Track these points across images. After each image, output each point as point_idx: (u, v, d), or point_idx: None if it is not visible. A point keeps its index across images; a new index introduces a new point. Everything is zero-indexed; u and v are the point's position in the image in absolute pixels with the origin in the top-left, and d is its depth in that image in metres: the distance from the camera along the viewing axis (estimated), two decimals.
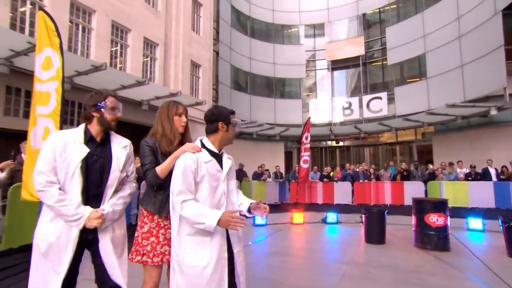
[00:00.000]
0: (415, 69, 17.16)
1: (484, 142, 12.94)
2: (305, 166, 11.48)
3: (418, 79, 16.66)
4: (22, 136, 7.91)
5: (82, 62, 8.35)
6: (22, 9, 8.71)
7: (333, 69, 20.47)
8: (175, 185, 1.79)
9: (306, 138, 11.58)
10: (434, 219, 5.60)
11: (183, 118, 2.24)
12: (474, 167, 10.89)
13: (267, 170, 13.15)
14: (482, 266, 4.48)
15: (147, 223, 2.12)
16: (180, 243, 1.79)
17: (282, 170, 14.78)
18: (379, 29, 19.21)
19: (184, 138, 2.25)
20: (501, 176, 10.33)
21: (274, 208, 11.27)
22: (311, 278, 4.06)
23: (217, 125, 1.97)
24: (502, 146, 12.27)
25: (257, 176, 12.43)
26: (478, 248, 5.64)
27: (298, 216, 8.66)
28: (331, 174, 13.36)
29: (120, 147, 2.05)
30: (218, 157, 1.98)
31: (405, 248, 5.65)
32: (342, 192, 11.77)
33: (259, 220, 8.07)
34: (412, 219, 6.11)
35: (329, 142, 20.04)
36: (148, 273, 2.09)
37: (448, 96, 13.82)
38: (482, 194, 9.79)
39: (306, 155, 11.52)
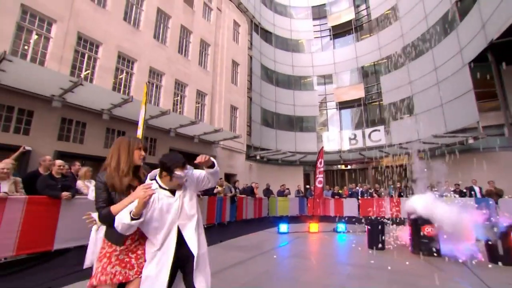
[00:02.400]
0: (405, 107, 16.68)
1: (465, 165, 12.15)
2: (319, 185, 11.25)
3: (408, 115, 16.12)
4: (70, 155, 8.62)
5: (153, 109, 9.07)
6: (121, 76, 9.79)
7: (340, 108, 20.31)
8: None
9: (320, 163, 11.44)
10: (429, 229, 5.27)
11: (142, 152, 1.88)
12: (459, 185, 10.23)
13: (288, 188, 13.05)
14: (468, 270, 4.19)
15: (104, 248, 1.77)
16: None
17: (302, 188, 14.60)
18: (375, 77, 19.03)
19: (139, 169, 1.90)
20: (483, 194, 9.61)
21: (295, 219, 11.11)
22: (322, 276, 3.97)
23: (162, 171, 1.81)
24: (480, 169, 11.44)
25: (280, 193, 12.38)
26: (464, 253, 5.20)
27: (314, 226, 8.42)
28: (340, 192, 13.02)
29: None
30: (171, 191, 1.82)
31: (402, 253, 5.32)
32: (350, 207, 11.45)
33: (283, 228, 8.02)
34: (408, 229, 5.82)
35: (339, 166, 19.49)
36: None
37: (432, 128, 13.31)
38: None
39: (320, 177, 11.32)
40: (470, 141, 11.40)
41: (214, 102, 14.43)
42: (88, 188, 4.83)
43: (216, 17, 15.08)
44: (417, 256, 5.07)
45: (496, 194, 9.37)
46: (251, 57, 18.54)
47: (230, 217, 8.84)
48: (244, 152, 16.46)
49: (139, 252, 1.80)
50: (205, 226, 7.42)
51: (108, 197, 1.75)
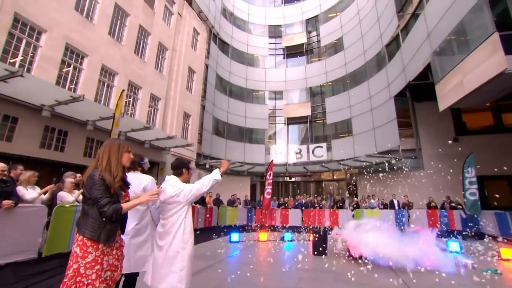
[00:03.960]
0: (345, 128, 18.62)
1: (389, 181, 14.40)
2: (268, 196, 11.93)
3: (347, 135, 18.12)
4: (52, 164, 7.87)
5: (104, 110, 8.53)
6: (66, 69, 8.91)
7: (288, 123, 21.58)
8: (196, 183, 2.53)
9: (270, 175, 12.16)
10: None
11: (131, 155, 2.06)
12: (383, 199, 12.14)
13: (238, 198, 13.37)
14: (390, 267, 5.12)
15: (92, 253, 1.75)
16: None
17: (249, 198, 15.06)
18: (320, 98, 20.89)
19: (124, 172, 2.04)
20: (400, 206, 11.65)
21: (244, 228, 11.46)
22: (277, 280, 4.33)
23: (181, 170, 2.58)
24: (399, 185, 13.77)
25: (231, 203, 12.60)
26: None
27: (263, 235, 8.87)
28: (286, 203, 13.89)
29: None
30: None
31: (341, 258, 6.05)
32: (294, 217, 12.17)
33: (234, 237, 8.29)
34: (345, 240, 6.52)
35: (284, 178, 20.61)
36: None
37: (366, 148, 15.40)
38: (388, 218, 10.81)
39: (269, 188, 12.00)
40: (393, 161, 13.64)
41: (167, 107, 14.05)
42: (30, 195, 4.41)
43: (176, 22, 14.89)
44: (355, 260, 5.84)
45: (408, 206, 11.44)
46: (207, 66, 18.65)
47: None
48: (194, 160, 16.28)
49: (119, 253, 1.96)
50: None
51: (111, 195, 1.85)
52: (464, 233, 9.62)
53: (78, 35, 9.12)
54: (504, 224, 8.72)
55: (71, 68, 9.01)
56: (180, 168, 2.57)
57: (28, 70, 7.70)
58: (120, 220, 1.93)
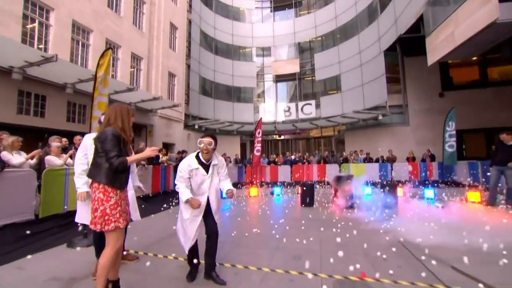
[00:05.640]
0: (334, 85, 18.52)
1: (375, 137, 14.87)
2: (257, 154, 12.18)
3: (336, 91, 18.12)
4: (33, 130, 7.60)
5: (82, 72, 8.05)
6: (31, 26, 8.09)
7: (277, 81, 21.21)
8: (177, 174, 2.58)
9: (259, 133, 12.26)
10: (347, 187, 6.39)
11: (133, 119, 2.28)
12: (369, 153, 12.64)
13: (229, 157, 13.62)
14: (373, 215, 5.56)
15: (113, 197, 2.04)
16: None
17: (239, 157, 15.35)
18: (309, 54, 20.29)
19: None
20: (385, 160, 12.21)
21: (235, 185, 11.88)
22: (269, 228, 4.65)
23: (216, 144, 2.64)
24: (385, 139, 14.27)
25: None
26: (368, 204, 6.53)
27: (253, 191, 9.16)
28: (276, 160, 14.29)
29: None
30: (205, 165, 2.60)
31: (327, 207, 6.48)
32: (284, 173, 12.67)
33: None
34: (332, 189, 7.01)
35: (274, 136, 20.87)
36: (116, 237, 2.05)
37: (354, 104, 15.50)
38: (373, 171, 11.48)
39: (258, 146, 12.21)
40: (380, 117, 13.89)
41: (150, 67, 13.35)
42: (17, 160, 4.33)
43: None
44: (338, 209, 6.26)
45: (392, 160, 12.02)
46: (190, 21, 17.32)
47: (174, 186, 8.94)
48: (182, 121, 16.09)
49: (127, 201, 2.24)
50: (151, 195, 7.45)
51: (120, 149, 2.06)
52: (440, 183, 10.37)
53: None
54: (476, 172, 9.39)
55: (36, 24, 8.16)
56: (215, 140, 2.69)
57: None
58: (128, 171, 2.17)
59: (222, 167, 2.72)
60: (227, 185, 2.71)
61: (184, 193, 2.50)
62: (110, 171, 2.02)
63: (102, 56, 4.77)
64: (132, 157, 2.12)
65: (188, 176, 2.55)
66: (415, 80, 13.95)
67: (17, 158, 4.37)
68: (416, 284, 2.45)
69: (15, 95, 7.46)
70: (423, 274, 2.57)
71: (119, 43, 11.12)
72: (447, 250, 3.25)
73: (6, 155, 4.28)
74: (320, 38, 19.73)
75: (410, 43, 12.79)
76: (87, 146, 2.81)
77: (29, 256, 3.18)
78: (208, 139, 2.54)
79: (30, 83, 7.69)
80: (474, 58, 12.64)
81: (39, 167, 4.70)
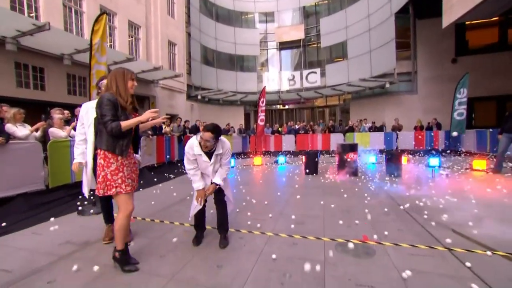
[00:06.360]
0: (340, 52, 17.83)
1: (381, 106, 14.55)
2: (261, 123, 12.10)
3: (342, 59, 17.47)
4: (34, 104, 7.55)
5: (78, 42, 7.77)
6: None
7: (280, 49, 20.41)
8: (185, 155, 2.54)
9: (262, 102, 12.06)
10: (351, 155, 6.50)
11: (135, 82, 2.17)
12: (374, 122, 12.44)
13: (232, 127, 13.58)
14: (376, 182, 5.63)
15: (114, 163, 2.04)
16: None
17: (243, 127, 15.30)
18: (315, 19, 19.21)
19: (133, 98, 2.19)
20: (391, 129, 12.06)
21: (239, 155, 11.99)
22: (273, 195, 4.71)
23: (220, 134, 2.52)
24: (392, 108, 13.97)
25: (225, 132, 12.82)
26: (371, 172, 6.69)
27: (257, 160, 9.22)
28: (280, 129, 14.22)
29: None
30: (208, 153, 2.50)
31: (330, 176, 6.52)
32: (288, 142, 12.68)
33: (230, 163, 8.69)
34: (336, 158, 7.03)
35: (278, 106, 20.61)
36: (124, 202, 2.08)
37: (361, 72, 14.98)
38: (378, 140, 11.40)
39: (262, 115, 12.08)
40: (387, 85, 13.44)
41: (149, 36, 12.82)
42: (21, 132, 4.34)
43: None
44: (342, 177, 6.35)
45: (398, 129, 11.85)
46: None
47: (178, 156, 9.03)
48: (185, 92, 15.84)
49: (134, 168, 2.25)
50: (156, 165, 7.57)
51: (116, 114, 2.02)
52: (447, 151, 10.28)
53: None
54: (484, 141, 9.24)
55: None
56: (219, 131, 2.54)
57: None
58: (128, 137, 2.11)
59: (225, 155, 2.59)
60: (217, 176, 2.57)
61: (194, 182, 2.54)
62: (110, 137, 2.02)
63: (96, 21, 4.52)
64: (127, 122, 2.03)
65: (194, 158, 2.51)
66: (427, 45, 13.24)
67: (21, 130, 4.38)
68: (417, 246, 2.50)
69: (11, 67, 7.31)
70: (425, 239, 2.60)
71: (114, 10, 10.60)
72: (449, 215, 3.29)
73: (10, 127, 4.30)
74: (326, 1, 18.56)
75: (424, 4, 11.91)
76: (82, 115, 2.78)
77: (43, 223, 3.31)
78: (207, 135, 2.36)
79: (26, 55, 7.49)
80: (495, 18, 11.75)
81: (44, 139, 4.73)
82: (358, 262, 2.23)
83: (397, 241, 2.62)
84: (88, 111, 2.74)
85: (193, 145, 2.49)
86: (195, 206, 2.61)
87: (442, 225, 3.00)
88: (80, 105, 2.98)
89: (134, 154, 2.34)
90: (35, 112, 7.93)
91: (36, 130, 4.68)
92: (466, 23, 11.99)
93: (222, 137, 2.57)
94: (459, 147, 10.20)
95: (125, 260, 2.16)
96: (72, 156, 4.74)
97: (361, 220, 3.25)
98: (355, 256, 2.33)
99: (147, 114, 2.11)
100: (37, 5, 8.01)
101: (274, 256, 2.32)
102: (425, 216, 3.31)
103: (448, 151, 10.11)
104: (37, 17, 7.92)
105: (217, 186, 2.57)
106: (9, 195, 3.92)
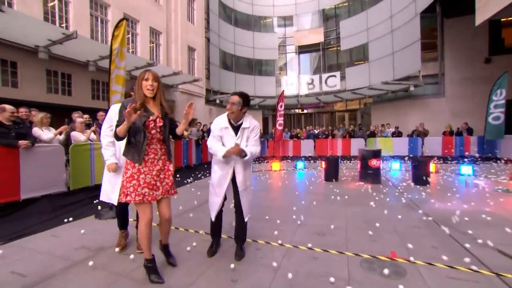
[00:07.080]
0: (360, 54, 17.32)
1: (404, 109, 13.86)
2: (280, 128, 11.90)
3: (363, 62, 16.93)
4: (61, 108, 7.88)
5: (103, 48, 8.04)
6: (51, 4, 8.10)
7: (299, 52, 20.19)
8: (210, 135, 2.45)
9: (281, 107, 11.86)
10: (374, 162, 6.17)
11: (149, 82, 1.95)
12: (397, 127, 11.84)
13: None
14: (402, 191, 5.27)
15: (130, 169, 1.98)
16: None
17: (261, 132, 15.18)
18: (334, 22, 18.85)
19: (155, 99, 2.05)
20: (414, 135, 11.40)
21: (257, 160, 11.82)
22: (291, 202, 4.50)
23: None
24: (416, 112, 13.26)
25: None
26: (396, 180, 6.39)
27: (276, 165, 9.00)
28: (298, 134, 13.95)
29: None
30: (234, 127, 2.40)
31: (352, 183, 6.25)
32: (307, 147, 12.39)
33: None
34: (358, 164, 6.66)
35: (296, 110, 20.32)
36: (141, 210, 2.03)
37: (382, 75, 14.40)
38: (401, 146, 10.82)
39: (281, 120, 11.88)
40: (412, 88, 12.79)
41: (170, 42, 13.11)
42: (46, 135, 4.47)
43: None
44: (365, 184, 6.04)
45: (423, 134, 11.19)
46: None
47: (196, 160, 9.04)
48: (204, 96, 16.02)
49: (161, 176, 2.07)
50: (173, 169, 7.58)
51: (123, 120, 1.90)
52: (479, 158, 9.52)
53: None
54: None
55: (56, 2, 8.14)
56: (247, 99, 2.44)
57: (10, 5, 7.01)
58: (142, 143, 1.98)
59: (253, 131, 2.42)
60: (248, 147, 2.37)
61: (218, 149, 2.31)
62: (128, 145, 2.02)
63: (116, 27, 4.61)
64: (121, 126, 1.87)
65: (219, 134, 2.40)
66: (456, 45, 12.48)
67: (46, 133, 4.52)
68: (457, 268, 2.20)
69: (43, 75, 7.70)
70: (466, 260, 2.29)
71: (137, 18, 10.93)
72: (491, 231, 2.92)
73: (37, 131, 4.45)
74: (346, 3, 18.16)
75: (453, 1, 11.26)
76: (111, 117, 2.64)
77: (61, 226, 3.34)
78: (234, 98, 2.30)
79: (56, 62, 7.87)
80: None
81: (67, 142, 4.86)
82: (387, 283, 1.99)
83: (431, 260, 2.33)
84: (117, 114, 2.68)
85: (221, 119, 2.42)
86: (212, 205, 2.50)
87: (484, 243, 2.66)
88: (106, 111, 2.96)
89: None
90: (61, 116, 8.26)
91: (60, 133, 4.82)
92: (502, 20, 11.16)
93: (251, 116, 2.48)
94: (496, 154, 9.39)
95: (151, 269, 2.10)
96: (92, 160, 4.89)
97: (388, 234, 2.98)
98: (383, 276, 2.09)
99: (134, 116, 1.82)
100: (67, 16, 8.44)
101: (290, 275, 2.11)
102: (463, 232, 2.96)
103: (482, 158, 9.35)
104: (67, 27, 8.33)
105: (243, 154, 2.30)
106: (35, 196, 4.03)
